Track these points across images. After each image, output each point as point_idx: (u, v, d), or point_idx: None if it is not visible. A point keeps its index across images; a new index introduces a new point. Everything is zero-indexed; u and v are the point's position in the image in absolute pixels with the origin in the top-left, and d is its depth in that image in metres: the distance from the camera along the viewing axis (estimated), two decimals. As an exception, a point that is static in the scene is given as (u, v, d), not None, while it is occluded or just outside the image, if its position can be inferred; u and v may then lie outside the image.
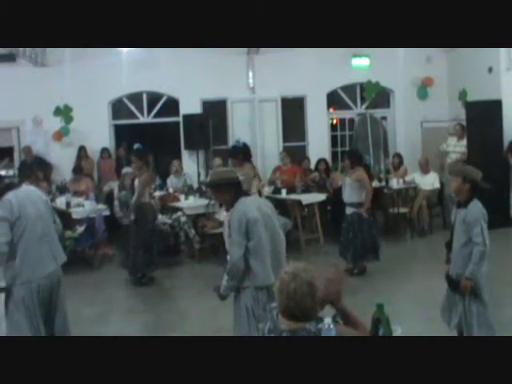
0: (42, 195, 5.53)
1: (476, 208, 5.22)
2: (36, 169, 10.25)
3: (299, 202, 10.85)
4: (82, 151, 12.63)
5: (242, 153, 8.98)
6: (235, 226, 4.74)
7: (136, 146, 9.07)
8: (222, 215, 9.35)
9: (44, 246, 5.20)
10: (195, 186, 12.22)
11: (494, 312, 7.10)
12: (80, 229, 9.94)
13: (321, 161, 12.43)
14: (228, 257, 4.79)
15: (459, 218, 5.30)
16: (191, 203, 10.70)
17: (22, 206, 5.10)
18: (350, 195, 8.86)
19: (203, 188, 11.28)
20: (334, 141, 14.17)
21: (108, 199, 11.25)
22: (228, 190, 4.93)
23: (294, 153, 13.37)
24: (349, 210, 8.90)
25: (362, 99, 14.05)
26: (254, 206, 4.88)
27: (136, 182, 8.76)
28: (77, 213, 10.12)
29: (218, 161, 11.58)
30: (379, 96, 14.08)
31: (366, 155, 12.14)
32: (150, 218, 8.79)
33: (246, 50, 12.82)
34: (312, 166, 12.57)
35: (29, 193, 5.35)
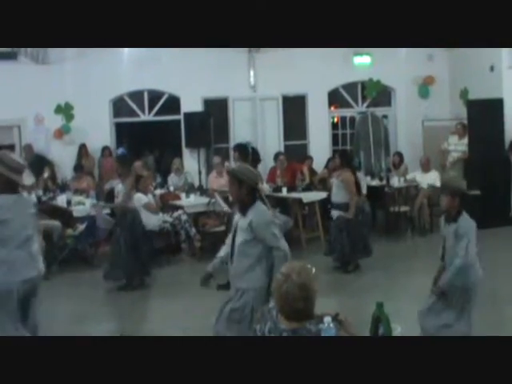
0: (31, 204, 5.52)
1: (466, 221, 5.23)
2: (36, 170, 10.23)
3: (300, 201, 10.84)
4: (82, 149, 12.64)
5: (247, 154, 8.96)
6: (269, 224, 4.88)
7: (119, 151, 9.00)
8: None
9: (26, 253, 5.19)
10: (196, 184, 12.23)
11: (494, 311, 7.12)
12: (81, 227, 9.95)
13: (331, 159, 12.42)
14: (278, 253, 4.84)
15: (451, 233, 5.30)
16: (192, 201, 10.71)
17: (9, 210, 5.12)
18: (336, 195, 9.10)
19: (204, 187, 11.30)
20: (335, 139, 14.17)
21: (109, 197, 11.25)
22: (246, 190, 4.94)
23: (295, 151, 13.39)
24: (335, 214, 9.10)
25: (364, 98, 14.05)
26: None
27: (120, 187, 8.67)
28: (78, 211, 10.13)
29: (217, 159, 11.59)
30: (380, 94, 14.08)
31: (356, 157, 12.29)
32: (136, 224, 8.71)
33: (247, 48, 12.80)
34: (314, 165, 12.57)
35: (21, 199, 5.36)
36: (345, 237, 8.90)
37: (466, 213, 5.34)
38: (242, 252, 5.02)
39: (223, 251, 5.36)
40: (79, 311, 7.68)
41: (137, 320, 7.53)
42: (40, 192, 10.64)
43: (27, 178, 5.47)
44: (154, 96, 13.49)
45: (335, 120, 14.52)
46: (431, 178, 11.62)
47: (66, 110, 12.76)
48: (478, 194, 5.64)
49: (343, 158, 9.29)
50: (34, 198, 9.74)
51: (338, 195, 9.03)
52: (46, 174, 11.47)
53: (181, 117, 13.14)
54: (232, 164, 9.94)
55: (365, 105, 14.03)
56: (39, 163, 11.47)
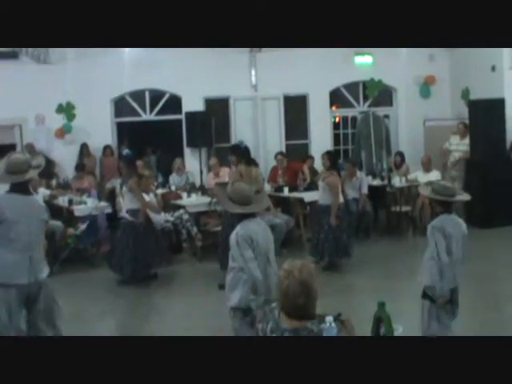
0: (42, 209, 5.45)
1: (435, 222, 5.24)
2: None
3: (301, 200, 10.85)
4: (84, 149, 12.64)
5: (241, 153, 8.96)
6: (238, 244, 4.89)
7: (124, 151, 8.96)
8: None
9: (27, 258, 5.14)
10: (197, 183, 12.24)
11: (497, 310, 7.13)
12: (82, 226, 9.95)
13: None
14: (244, 276, 4.91)
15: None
16: (193, 201, 10.71)
17: (14, 211, 5.10)
18: (321, 197, 9.21)
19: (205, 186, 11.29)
20: (336, 139, 14.17)
21: (110, 197, 11.26)
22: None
23: (297, 151, 13.39)
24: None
25: (365, 97, 14.03)
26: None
27: (124, 189, 8.74)
28: (79, 210, 10.13)
29: (213, 160, 11.62)
30: (382, 94, 14.07)
31: (357, 157, 12.36)
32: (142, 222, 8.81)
33: (248, 48, 12.80)
34: (316, 164, 12.56)
35: (29, 201, 5.34)
36: (328, 238, 8.97)
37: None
38: (229, 266, 5.07)
39: None
40: (80, 310, 7.68)
41: (138, 319, 7.53)
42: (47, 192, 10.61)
43: (36, 160, 5.45)
44: (156, 95, 13.49)
45: (336, 120, 14.52)
46: (432, 178, 11.61)
47: (67, 110, 12.76)
48: (468, 199, 5.64)
49: (332, 159, 9.33)
50: (42, 195, 9.78)
51: (323, 198, 9.13)
52: (54, 181, 11.51)
53: (182, 116, 13.14)
54: (232, 168, 9.91)
55: (366, 104, 14.02)
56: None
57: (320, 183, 9.22)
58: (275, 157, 12.08)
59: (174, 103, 13.41)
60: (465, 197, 5.62)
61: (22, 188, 5.23)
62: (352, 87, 14.02)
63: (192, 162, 13.02)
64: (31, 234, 5.17)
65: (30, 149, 12.32)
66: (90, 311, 7.71)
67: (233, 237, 4.97)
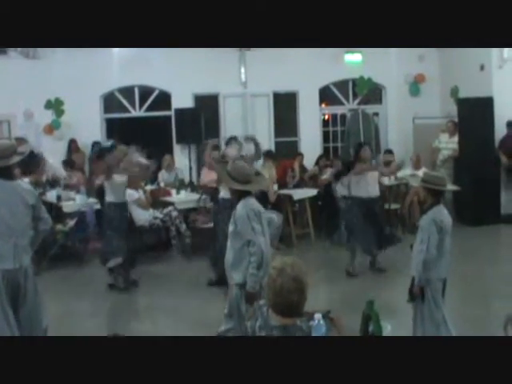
0: (29, 194, 5.36)
1: (433, 214, 5.26)
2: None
3: (290, 197, 10.85)
4: (72, 144, 12.59)
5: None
6: (250, 217, 4.94)
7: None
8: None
9: (11, 244, 5.09)
10: (187, 180, 12.21)
11: (484, 308, 7.17)
12: (71, 223, 9.91)
13: (322, 157, 12.54)
14: (252, 249, 4.92)
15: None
16: (182, 198, 10.70)
17: None
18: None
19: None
20: (325, 136, 14.18)
21: (99, 193, 11.20)
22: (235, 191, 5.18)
23: (286, 148, 13.40)
24: None
25: (354, 95, 14.06)
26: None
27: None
28: (67, 206, 10.09)
29: (215, 154, 11.57)
30: (371, 92, 14.09)
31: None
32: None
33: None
34: (305, 162, 12.59)
35: (11, 186, 5.26)
36: None
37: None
38: (229, 245, 5.09)
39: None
40: (68, 307, 7.66)
41: (126, 317, 7.51)
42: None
43: (21, 147, 5.41)
44: (145, 92, 13.46)
45: (326, 117, 14.54)
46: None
47: (56, 106, 12.70)
48: (457, 189, 5.72)
49: None
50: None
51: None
52: (44, 177, 11.43)
53: (172, 113, 13.13)
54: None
55: (356, 102, 14.04)
56: (31, 158, 11.41)
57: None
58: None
59: (164, 99, 13.39)
60: (454, 187, 5.68)
61: (5, 173, 5.17)
62: (342, 85, 14.04)
63: (181, 158, 13.01)
64: (14, 219, 5.10)
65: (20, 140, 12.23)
66: (78, 308, 7.68)
67: (241, 210, 4.96)
